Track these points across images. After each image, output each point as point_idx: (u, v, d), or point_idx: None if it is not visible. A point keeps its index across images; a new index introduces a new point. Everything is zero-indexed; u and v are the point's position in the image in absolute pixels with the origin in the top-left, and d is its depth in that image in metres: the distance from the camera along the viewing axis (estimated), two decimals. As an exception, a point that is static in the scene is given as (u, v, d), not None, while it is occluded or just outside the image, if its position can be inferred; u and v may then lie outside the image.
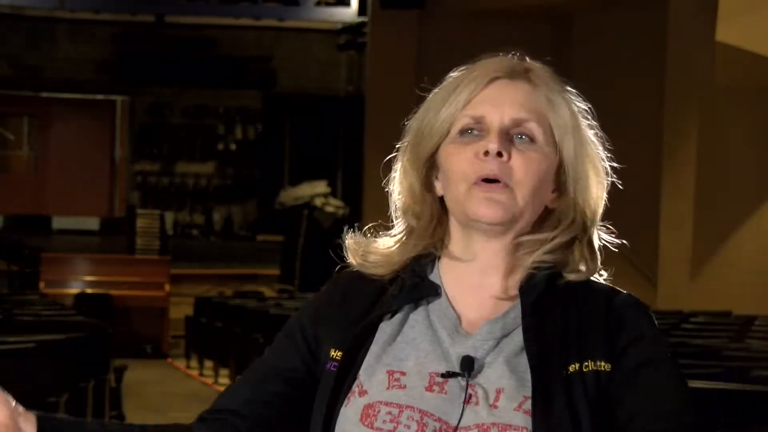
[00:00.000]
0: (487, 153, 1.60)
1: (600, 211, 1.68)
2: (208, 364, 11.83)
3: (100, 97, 22.26)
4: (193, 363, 12.43)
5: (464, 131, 1.64)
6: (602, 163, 1.68)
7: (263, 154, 22.89)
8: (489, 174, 1.59)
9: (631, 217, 11.87)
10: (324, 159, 21.54)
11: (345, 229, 1.72)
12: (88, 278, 13.79)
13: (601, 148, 1.69)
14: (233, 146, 23.40)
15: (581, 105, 1.69)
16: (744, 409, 3.59)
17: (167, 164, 23.26)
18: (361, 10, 18.00)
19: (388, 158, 1.73)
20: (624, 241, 1.73)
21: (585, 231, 1.66)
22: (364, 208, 14.58)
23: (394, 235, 1.71)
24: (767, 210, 11.84)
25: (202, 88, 22.38)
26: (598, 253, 1.68)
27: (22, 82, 21.57)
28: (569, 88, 1.69)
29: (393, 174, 1.71)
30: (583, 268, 1.65)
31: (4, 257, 14.85)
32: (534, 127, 1.63)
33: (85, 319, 7.77)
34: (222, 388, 1.80)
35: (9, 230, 20.40)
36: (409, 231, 1.69)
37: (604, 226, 1.70)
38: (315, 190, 20.65)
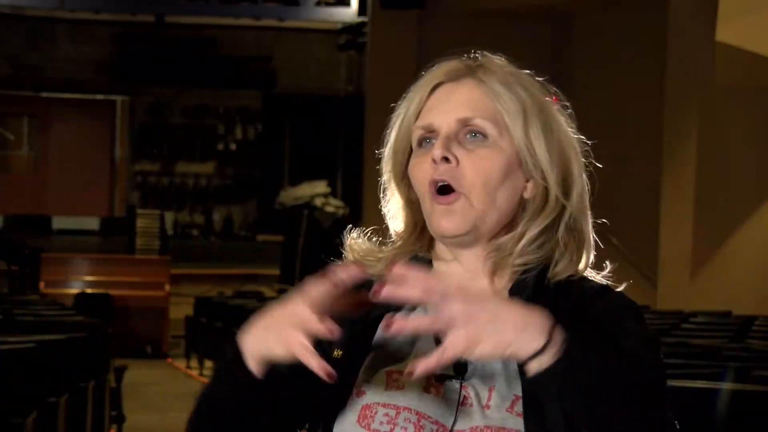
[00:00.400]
0: (435, 161, 1.59)
1: (577, 188, 1.63)
2: (208, 364, 11.83)
3: (100, 97, 22.27)
4: (193, 363, 12.43)
5: (421, 143, 1.64)
6: (570, 140, 1.64)
7: (263, 154, 22.90)
8: (438, 178, 1.59)
9: (631, 217, 11.90)
10: (324, 159, 21.55)
11: (348, 228, 1.72)
12: (88, 278, 13.79)
13: (572, 126, 1.65)
14: (233, 146, 23.41)
15: (550, 88, 1.66)
16: (744, 409, 3.59)
17: (167, 164, 23.27)
18: (361, 10, 18.00)
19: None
20: (604, 220, 1.69)
21: (563, 213, 1.62)
22: (364, 208, 14.58)
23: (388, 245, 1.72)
24: (767, 210, 11.83)
25: (202, 88, 22.39)
26: (587, 237, 1.64)
27: (22, 82, 21.57)
28: (527, 73, 1.65)
29: (382, 196, 1.72)
30: (569, 259, 1.62)
31: (4, 257, 14.83)
32: (481, 123, 1.60)
33: (85, 319, 7.77)
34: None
35: (9, 230, 20.38)
36: (398, 239, 1.71)
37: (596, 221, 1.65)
38: (315, 190, 20.67)
